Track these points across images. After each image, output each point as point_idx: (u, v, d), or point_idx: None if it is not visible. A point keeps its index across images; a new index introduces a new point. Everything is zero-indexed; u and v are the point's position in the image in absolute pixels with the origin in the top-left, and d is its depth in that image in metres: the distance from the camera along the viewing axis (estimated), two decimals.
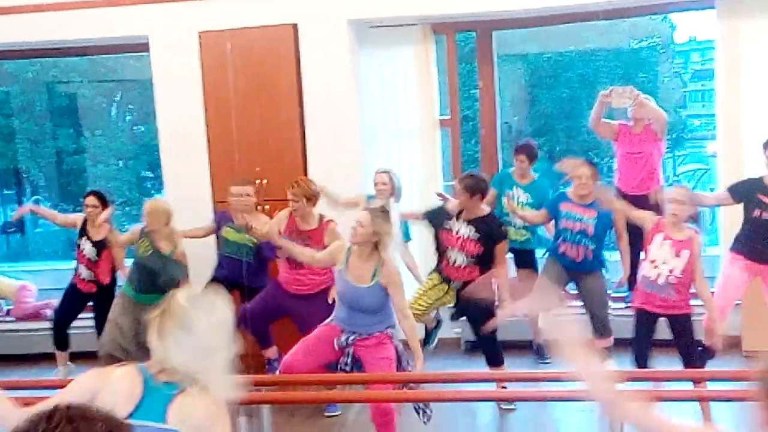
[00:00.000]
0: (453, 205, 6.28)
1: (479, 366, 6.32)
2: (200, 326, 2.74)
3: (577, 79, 14.45)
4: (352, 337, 5.17)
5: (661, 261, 5.45)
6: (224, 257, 6.87)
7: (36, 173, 15.20)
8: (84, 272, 7.12)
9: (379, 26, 7.49)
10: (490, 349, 6.22)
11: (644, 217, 5.80)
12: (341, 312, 5.27)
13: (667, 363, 5.73)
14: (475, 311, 6.18)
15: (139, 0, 7.34)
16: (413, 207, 7.07)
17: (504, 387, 5.70)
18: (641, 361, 5.53)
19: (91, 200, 7.06)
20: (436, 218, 6.26)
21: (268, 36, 7.23)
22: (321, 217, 6.38)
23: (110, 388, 2.75)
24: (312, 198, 6.30)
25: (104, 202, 7.10)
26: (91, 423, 1.77)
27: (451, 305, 6.32)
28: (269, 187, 7.13)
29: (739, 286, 6.20)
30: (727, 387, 4.77)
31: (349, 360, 5.17)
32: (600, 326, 6.40)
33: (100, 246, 7.04)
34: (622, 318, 6.64)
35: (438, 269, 6.28)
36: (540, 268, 6.82)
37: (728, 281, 6.21)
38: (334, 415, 6.20)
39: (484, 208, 6.21)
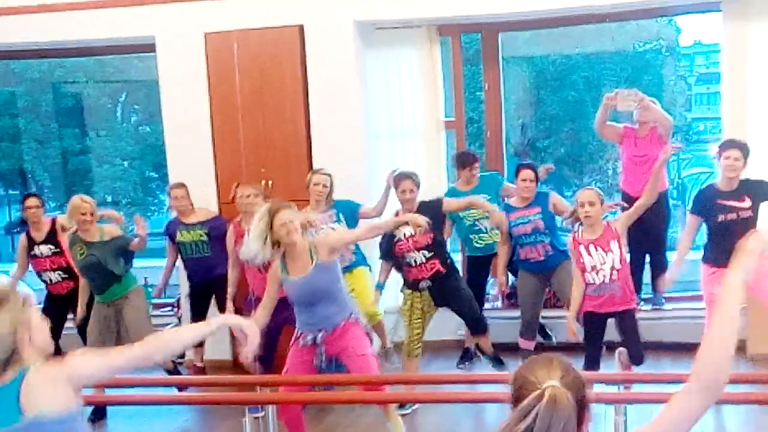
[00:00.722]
0: (392, 219, 6.19)
1: (481, 368, 6.31)
2: None
3: (582, 82, 14.44)
4: (319, 336, 5.01)
5: (599, 264, 5.56)
6: (188, 261, 7.02)
7: (41, 173, 15.22)
8: (53, 276, 6.99)
9: (384, 28, 7.50)
10: (479, 326, 6.29)
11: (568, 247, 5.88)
12: (302, 316, 5.10)
13: (670, 366, 5.76)
14: (456, 298, 6.19)
15: (145, 0, 7.36)
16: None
17: None
18: (594, 364, 5.56)
19: (33, 201, 7.04)
20: (388, 245, 6.19)
21: (274, 37, 7.24)
22: None
23: None
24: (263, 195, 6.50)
25: (42, 202, 7.15)
26: None
27: (434, 305, 6.24)
28: (274, 188, 7.15)
29: None
30: (732, 390, 4.77)
31: (323, 358, 5.04)
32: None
33: (52, 240, 6.96)
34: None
35: (405, 282, 6.25)
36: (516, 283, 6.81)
37: (713, 303, 6.09)
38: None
39: (417, 200, 6.19)
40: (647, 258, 7.08)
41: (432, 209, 6.08)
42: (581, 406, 2.07)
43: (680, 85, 16.33)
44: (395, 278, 6.49)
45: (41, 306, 7.03)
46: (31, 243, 7.02)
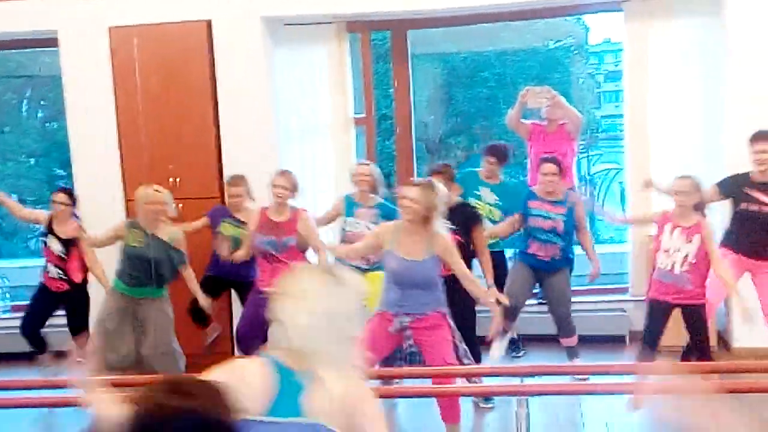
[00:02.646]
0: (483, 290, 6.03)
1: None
2: (326, 300, 2.51)
3: (493, 79, 14.59)
4: (406, 320, 5.01)
5: (674, 249, 5.50)
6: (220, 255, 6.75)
7: None
8: (53, 270, 6.74)
9: (293, 24, 7.45)
10: (469, 346, 6.12)
11: (649, 217, 5.93)
12: (392, 293, 5.07)
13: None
14: (457, 308, 6.08)
15: None
16: (327, 206, 7.02)
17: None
18: (650, 352, 5.52)
19: (61, 197, 6.69)
20: None
21: (181, 32, 7.14)
22: (293, 207, 6.34)
23: (245, 384, 2.51)
24: (296, 188, 6.33)
25: (74, 200, 6.76)
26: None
27: None
28: (182, 185, 7.05)
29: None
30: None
31: (410, 344, 5.04)
32: (564, 325, 6.40)
33: (69, 244, 6.69)
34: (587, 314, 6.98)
35: None
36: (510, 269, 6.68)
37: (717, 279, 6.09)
38: None
39: (455, 198, 6.08)
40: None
41: (465, 215, 5.97)
42: None
43: (589, 83, 16.63)
44: None
45: (32, 293, 6.92)
46: (49, 230, 6.71)
